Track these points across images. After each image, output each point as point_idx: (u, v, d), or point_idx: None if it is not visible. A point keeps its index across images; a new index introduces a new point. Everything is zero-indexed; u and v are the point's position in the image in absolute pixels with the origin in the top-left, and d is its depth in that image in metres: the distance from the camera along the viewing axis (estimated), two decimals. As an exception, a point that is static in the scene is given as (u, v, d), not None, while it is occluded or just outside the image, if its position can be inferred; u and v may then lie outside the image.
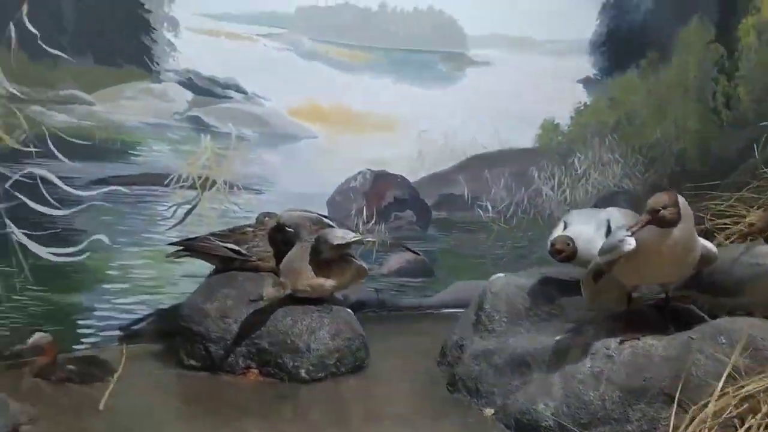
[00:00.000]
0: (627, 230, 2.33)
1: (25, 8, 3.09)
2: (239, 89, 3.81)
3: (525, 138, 4.41)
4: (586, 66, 4.41)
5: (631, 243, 2.32)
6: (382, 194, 4.23)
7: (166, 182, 3.61)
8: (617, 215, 2.83)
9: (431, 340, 3.39)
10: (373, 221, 4.19)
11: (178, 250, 3.26)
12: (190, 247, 3.24)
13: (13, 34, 3.07)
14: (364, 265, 3.12)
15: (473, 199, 4.38)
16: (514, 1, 4.23)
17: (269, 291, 2.85)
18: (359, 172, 4.15)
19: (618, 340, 2.42)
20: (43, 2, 3.18)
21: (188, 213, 3.67)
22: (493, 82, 4.33)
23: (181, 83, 3.65)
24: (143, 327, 3.54)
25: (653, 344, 2.37)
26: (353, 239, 2.95)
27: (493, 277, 3.08)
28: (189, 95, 3.69)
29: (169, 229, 3.62)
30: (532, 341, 2.68)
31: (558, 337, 2.62)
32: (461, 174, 4.36)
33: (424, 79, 4.26)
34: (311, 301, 3.03)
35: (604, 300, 2.58)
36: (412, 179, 4.26)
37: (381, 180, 4.22)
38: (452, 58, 4.31)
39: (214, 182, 3.73)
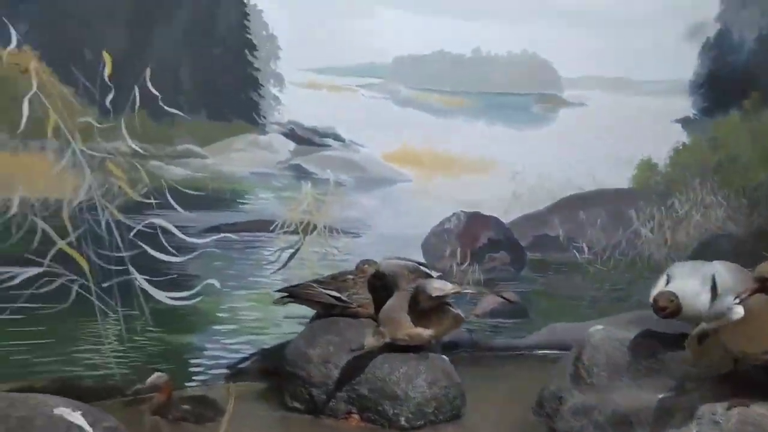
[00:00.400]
0: (735, 297, 2.35)
1: (147, 72, 3.43)
2: (337, 137, 4.05)
3: (621, 178, 4.44)
4: (686, 106, 4.41)
5: (739, 312, 2.33)
6: (476, 236, 4.34)
7: (271, 228, 3.88)
8: (723, 271, 2.81)
9: (526, 385, 3.46)
10: (467, 263, 4.31)
11: (284, 296, 3.50)
12: (294, 294, 3.47)
13: (137, 97, 3.41)
14: (461, 313, 3.25)
15: (568, 240, 4.43)
16: (609, 42, 4.28)
17: (370, 341, 3.02)
18: (453, 214, 4.29)
19: (725, 405, 2.42)
20: (163, 66, 3.52)
21: (291, 257, 3.92)
22: (588, 122, 4.39)
23: (284, 134, 3.93)
24: (248, 366, 3.80)
25: (764, 413, 2.35)
26: (451, 291, 3.08)
27: (592, 328, 3.12)
28: (291, 145, 3.96)
29: (274, 272, 3.87)
30: (634, 398, 2.71)
31: (661, 396, 2.64)
32: (556, 215, 4.42)
33: (518, 121, 4.37)
34: (409, 348, 3.19)
35: (709, 360, 2.59)
36: (505, 220, 4.36)
37: (475, 221, 4.34)
38: (546, 99, 4.41)
39: (314, 227, 3.96)
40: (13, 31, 3.16)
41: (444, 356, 3.29)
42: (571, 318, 4.32)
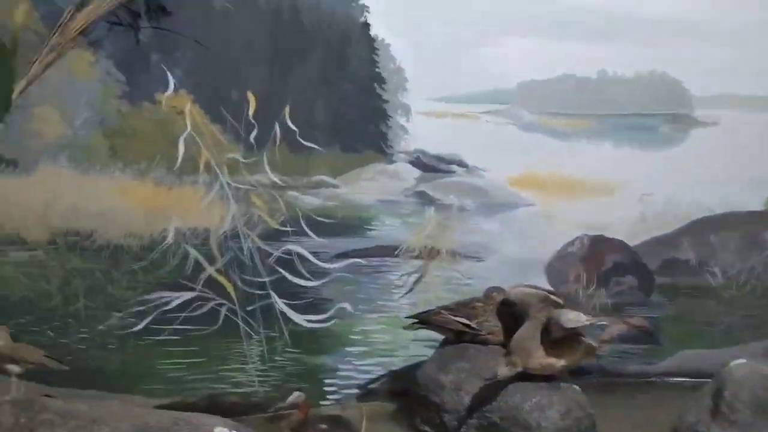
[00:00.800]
0: None
1: (287, 110, 3.75)
2: (462, 164, 4.23)
3: (755, 200, 4.35)
4: (829, 124, 4.27)
5: None
6: (601, 259, 4.38)
7: (396, 253, 4.10)
8: None
9: (659, 415, 3.48)
10: (592, 287, 4.35)
11: (414, 323, 3.70)
12: (424, 320, 3.66)
13: (278, 132, 3.74)
14: (594, 343, 3.31)
15: (700, 264, 4.38)
16: (743, 58, 4.22)
17: (503, 370, 3.16)
18: (577, 238, 4.35)
19: None
20: (300, 103, 3.83)
21: (417, 281, 4.13)
22: (720, 142, 4.34)
23: (410, 162, 4.15)
24: (378, 387, 4.03)
25: None
26: (586, 323, 3.16)
27: (734, 363, 3.11)
28: (417, 173, 4.17)
29: (401, 296, 4.09)
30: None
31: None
32: (685, 238, 4.39)
33: (646, 143, 4.38)
34: (540, 377, 3.29)
35: None
36: (632, 243, 4.36)
37: (600, 245, 4.37)
38: (676, 119, 4.40)
39: (438, 251, 4.15)
40: (170, 77, 3.55)
41: (576, 386, 3.36)
42: (703, 345, 4.28)
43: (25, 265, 3.35)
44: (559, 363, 3.23)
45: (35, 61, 2.70)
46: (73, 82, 3.26)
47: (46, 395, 2.33)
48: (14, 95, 2.56)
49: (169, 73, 3.54)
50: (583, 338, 3.26)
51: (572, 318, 3.13)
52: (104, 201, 3.40)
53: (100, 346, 3.55)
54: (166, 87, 3.55)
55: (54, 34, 2.74)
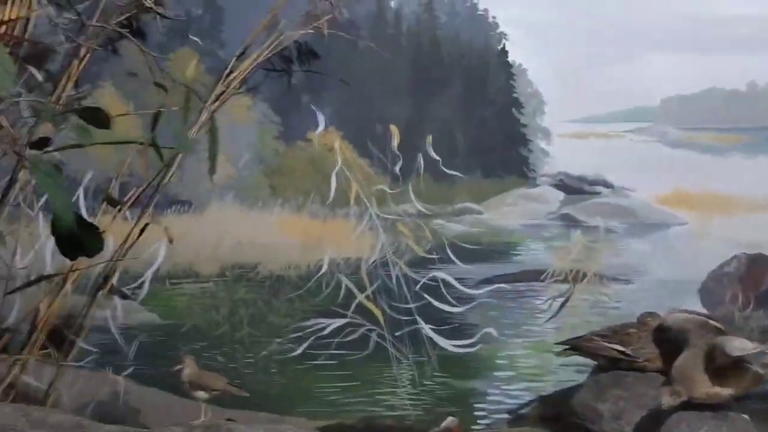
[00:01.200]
0: None
1: (429, 139, 3.94)
2: (606, 184, 4.25)
3: None
4: None
5: None
6: (760, 279, 4.24)
7: (541, 278, 4.17)
8: None
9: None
10: (749, 308, 4.22)
11: (565, 349, 3.74)
12: (576, 346, 3.69)
13: (421, 163, 3.93)
14: (760, 370, 3.22)
15: None
16: None
17: (667, 400, 3.12)
18: (734, 257, 4.25)
19: None
20: (442, 133, 4.01)
21: (562, 305, 4.16)
22: None
23: (554, 185, 4.23)
24: (528, 412, 4.09)
25: None
26: (753, 350, 3.08)
27: None
28: (560, 195, 4.24)
29: (546, 321, 4.15)
30: None
31: None
32: None
33: (809, 154, 4.22)
34: (705, 406, 3.23)
35: None
36: (795, 262, 4.20)
37: (758, 264, 4.24)
38: (838, 129, 4.21)
39: (584, 274, 4.18)
40: (320, 116, 3.84)
41: (745, 416, 3.28)
42: None
43: (198, 296, 3.73)
44: (726, 392, 3.15)
45: (202, 110, 3.04)
46: (234, 127, 3.62)
47: (229, 419, 2.59)
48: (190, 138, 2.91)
49: (318, 113, 3.83)
50: (749, 365, 3.18)
51: (738, 346, 3.06)
52: (266, 235, 3.72)
53: (263, 371, 3.86)
54: (317, 125, 3.85)
55: (218, 84, 3.08)
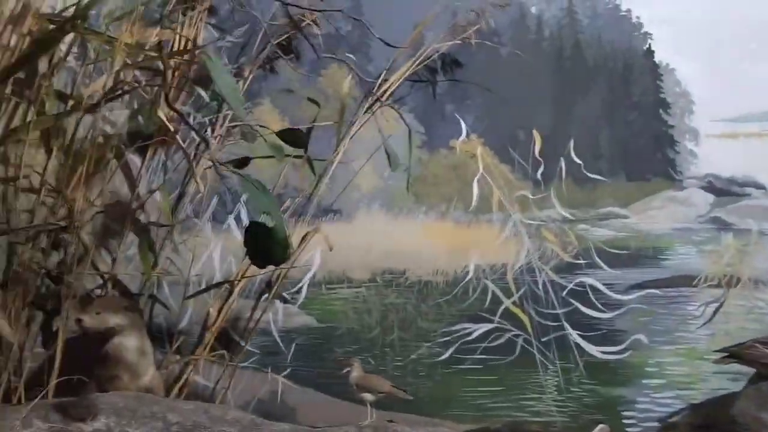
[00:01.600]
0: None
1: (571, 144, 3.96)
2: (758, 185, 4.11)
3: None
4: None
5: None
6: None
7: (693, 283, 4.09)
8: None
9: None
10: None
11: (725, 356, 3.65)
12: (736, 354, 3.59)
13: (563, 167, 3.96)
14: None
15: None
16: None
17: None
18: None
19: None
20: (584, 136, 4.02)
21: (716, 311, 4.06)
22: None
23: (702, 187, 4.13)
24: (678, 420, 4.01)
25: None
26: None
27: None
28: (710, 198, 4.14)
29: (699, 327, 4.06)
30: None
31: None
32: None
33: None
34: None
35: None
36: None
37: None
38: None
39: (738, 279, 4.05)
40: (463, 124, 3.95)
41: None
42: None
43: (351, 300, 3.92)
44: None
45: (354, 122, 3.22)
46: (380, 138, 3.78)
47: (390, 421, 2.71)
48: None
49: (461, 121, 3.94)
50: None
51: None
52: (412, 242, 3.87)
53: (412, 374, 4.00)
54: (459, 133, 3.96)
55: (367, 97, 3.25)
